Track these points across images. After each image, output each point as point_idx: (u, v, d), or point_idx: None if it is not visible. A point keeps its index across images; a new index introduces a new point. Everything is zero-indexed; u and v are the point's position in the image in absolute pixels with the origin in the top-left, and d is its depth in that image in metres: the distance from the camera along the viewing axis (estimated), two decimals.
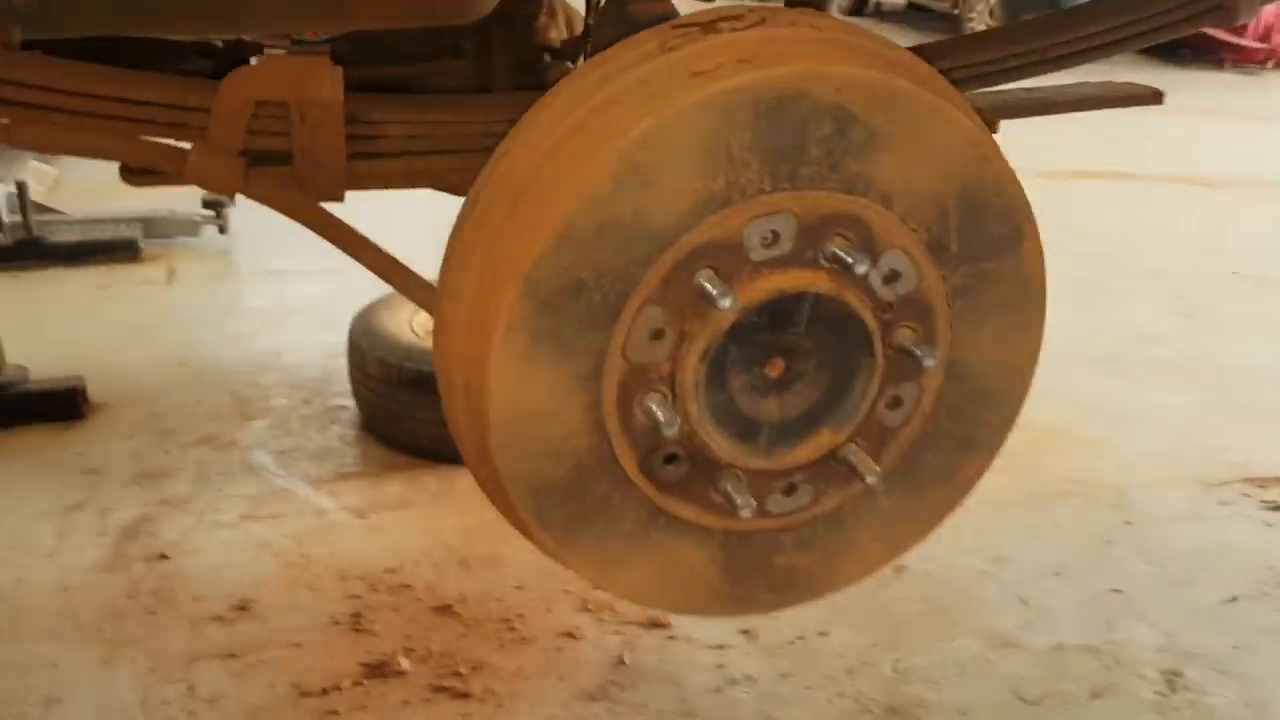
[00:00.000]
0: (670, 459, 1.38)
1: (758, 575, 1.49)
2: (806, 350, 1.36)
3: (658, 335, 1.30)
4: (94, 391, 2.98)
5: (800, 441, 1.40)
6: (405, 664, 2.03)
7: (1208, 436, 3.07)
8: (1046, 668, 2.13)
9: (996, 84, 2.01)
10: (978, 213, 1.33)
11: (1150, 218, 5.21)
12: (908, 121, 1.25)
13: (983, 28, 10.50)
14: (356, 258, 1.65)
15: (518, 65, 2.26)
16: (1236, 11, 2.11)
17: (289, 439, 2.86)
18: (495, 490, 1.39)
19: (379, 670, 2.03)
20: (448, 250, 1.38)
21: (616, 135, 1.19)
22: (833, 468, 1.44)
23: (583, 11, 2.83)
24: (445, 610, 2.20)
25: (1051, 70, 2.05)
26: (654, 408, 1.31)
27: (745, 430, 1.38)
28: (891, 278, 1.34)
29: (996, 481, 2.74)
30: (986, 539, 2.50)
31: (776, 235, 1.28)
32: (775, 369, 1.37)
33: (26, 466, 2.68)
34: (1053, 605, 2.32)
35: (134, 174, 1.60)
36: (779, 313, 1.32)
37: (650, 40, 1.29)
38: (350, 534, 2.46)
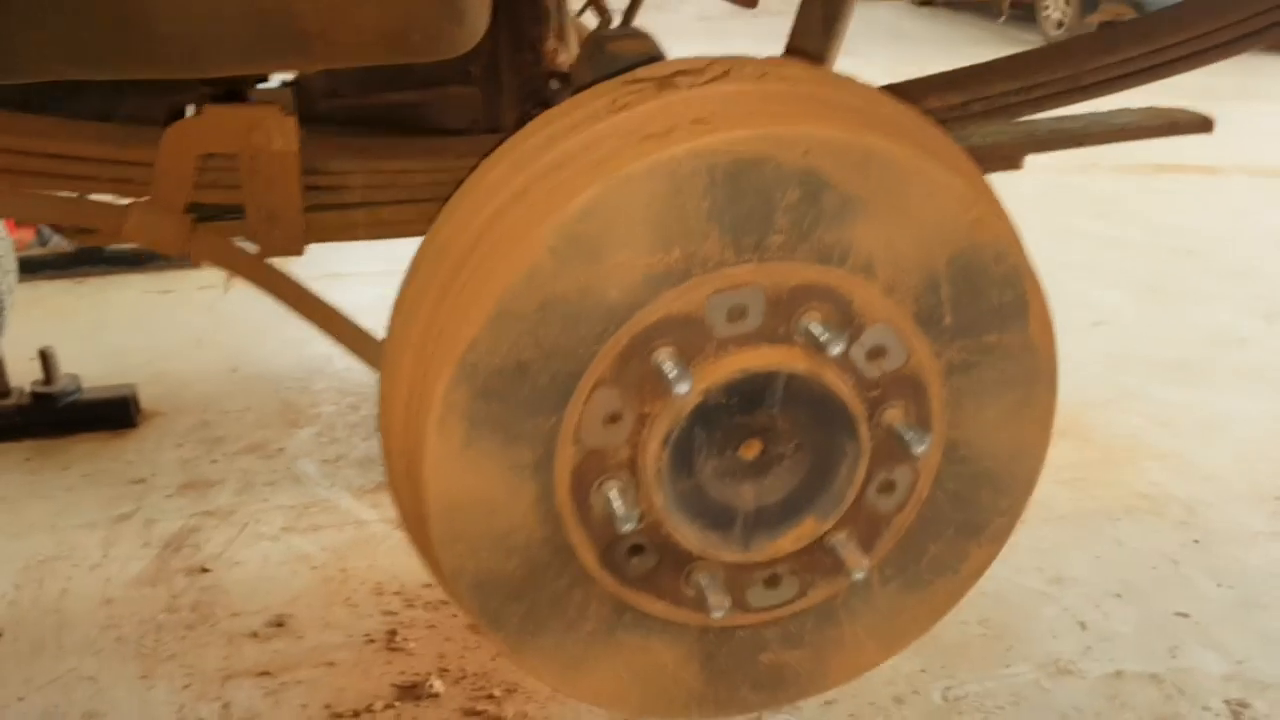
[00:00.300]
0: (636, 550, 1.25)
1: (740, 674, 1.35)
2: (784, 432, 1.22)
3: (614, 419, 1.17)
4: (146, 399, 3.05)
5: (781, 531, 1.26)
6: (439, 686, 2.00)
7: None
8: (1105, 697, 2.00)
9: (1022, 115, 1.84)
10: (974, 282, 1.18)
11: (1232, 214, 4.93)
12: (887, 185, 1.11)
13: (1058, 16, 10.19)
14: (309, 318, 1.55)
15: (526, 92, 2.17)
16: None
17: (334, 447, 2.88)
18: (445, 584, 1.27)
19: (412, 692, 2.00)
20: (390, 319, 1.27)
21: (556, 206, 1.07)
22: (821, 557, 1.30)
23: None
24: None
25: (1085, 99, 1.87)
26: (612, 497, 1.19)
27: (718, 519, 1.24)
28: (876, 353, 1.20)
29: (1058, 496, 2.61)
30: (1046, 558, 2.38)
31: (743, 310, 1.15)
32: (750, 451, 1.23)
33: (78, 476, 2.74)
34: (1114, 629, 2.19)
35: (75, 233, 1.52)
36: (750, 392, 1.18)
37: (601, 97, 1.16)
38: (389, 546, 2.45)
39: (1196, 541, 2.47)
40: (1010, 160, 1.80)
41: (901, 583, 1.35)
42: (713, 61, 1.17)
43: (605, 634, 1.28)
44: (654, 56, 1.66)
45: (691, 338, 1.15)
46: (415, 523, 1.26)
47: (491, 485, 1.17)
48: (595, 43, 1.72)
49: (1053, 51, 1.85)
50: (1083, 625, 2.19)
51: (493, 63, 2.53)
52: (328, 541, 2.45)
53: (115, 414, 2.94)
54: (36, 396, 2.88)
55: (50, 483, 2.71)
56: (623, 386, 1.15)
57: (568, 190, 1.08)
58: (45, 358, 2.85)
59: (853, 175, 1.10)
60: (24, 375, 2.93)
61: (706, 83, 1.14)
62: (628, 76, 1.18)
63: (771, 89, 1.15)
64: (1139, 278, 4.08)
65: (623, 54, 1.66)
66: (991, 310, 1.19)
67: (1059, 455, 2.80)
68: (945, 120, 1.79)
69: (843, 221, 1.12)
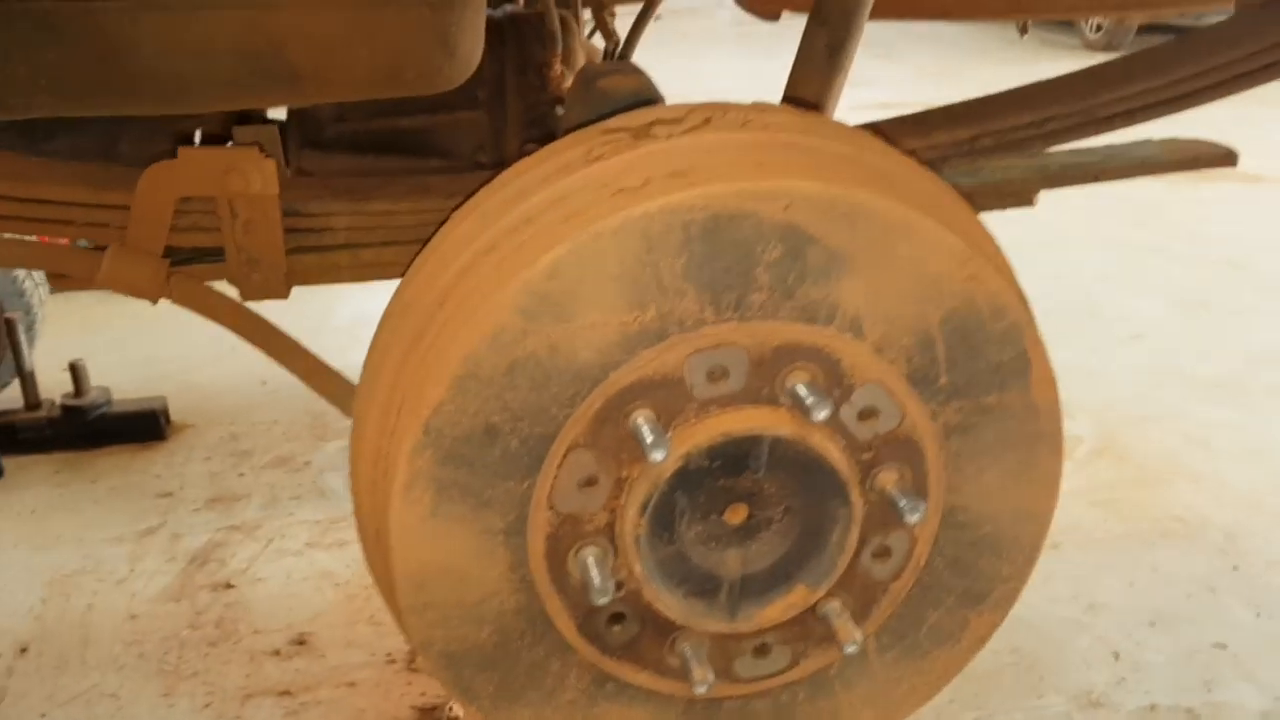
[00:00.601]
0: (616, 619, 1.19)
1: None
2: (771, 496, 1.16)
3: (590, 483, 1.11)
4: (176, 411, 3.04)
5: (770, 599, 1.20)
6: (458, 710, 1.93)
7: None
8: None
9: (1035, 149, 1.77)
10: (970, 340, 1.11)
11: (1278, 225, 4.75)
12: (875, 240, 1.04)
13: (1097, 19, 9.89)
14: (289, 366, 1.51)
15: (531, 117, 2.13)
16: None
17: None
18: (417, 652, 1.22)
19: (432, 714, 1.95)
20: (362, 372, 1.22)
21: (524, 264, 1.01)
22: (813, 626, 1.24)
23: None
24: None
25: (1101, 132, 1.80)
26: (589, 565, 1.13)
27: (702, 587, 1.18)
28: (868, 415, 1.13)
29: (1092, 518, 2.50)
30: (1080, 584, 2.28)
31: (724, 371, 1.09)
32: (736, 517, 1.17)
33: (106, 489, 2.74)
34: (1148, 660, 2.09)
35: (53, 278, 1.48)
36: (734, 456, 1.12)
37: (575, 147, 1.11)
38: None
39: (1235, 568, 2.37)
40: (1022, 196, 1.73)
41: (900, 652, 1.28)
42: (692, 109, 1.11)
43: (585, 705, 1.22)
44: (646, 94, 1.61)
45: (671, 399, 1.09)
46: (386, 588, 1.20)
47: (461, 552, 1.12)
48: (586, 79, 1.67)
49: (1068, 83, 1.77)
50: (1116, 655, 2.10)
51: (499, 88, 2.49)
52: (352, 558, 2.42)
53: (144, 426, 2.95)
54: (66, 409, 2.90)
55: (79, 495, 2.72)
56: (598, 450, 1.10)
57: (536, 247, 1.02)
58: (75, 370, 2.87)
59: (838, 230, 1.04)
60: (56, 387, 2.94)
61: (685, 132, 1.08)
62: (604, 125, 1.12)
63: (754, 139, 1.09)
64: (1180, 289, 3.94)
65: (613, 92, 1.61)
66: (990, 369, 1.12)
67: (1094, 474, 2.74)
68: (954, 155, 1.72)
69: (829, 278, 1.06)
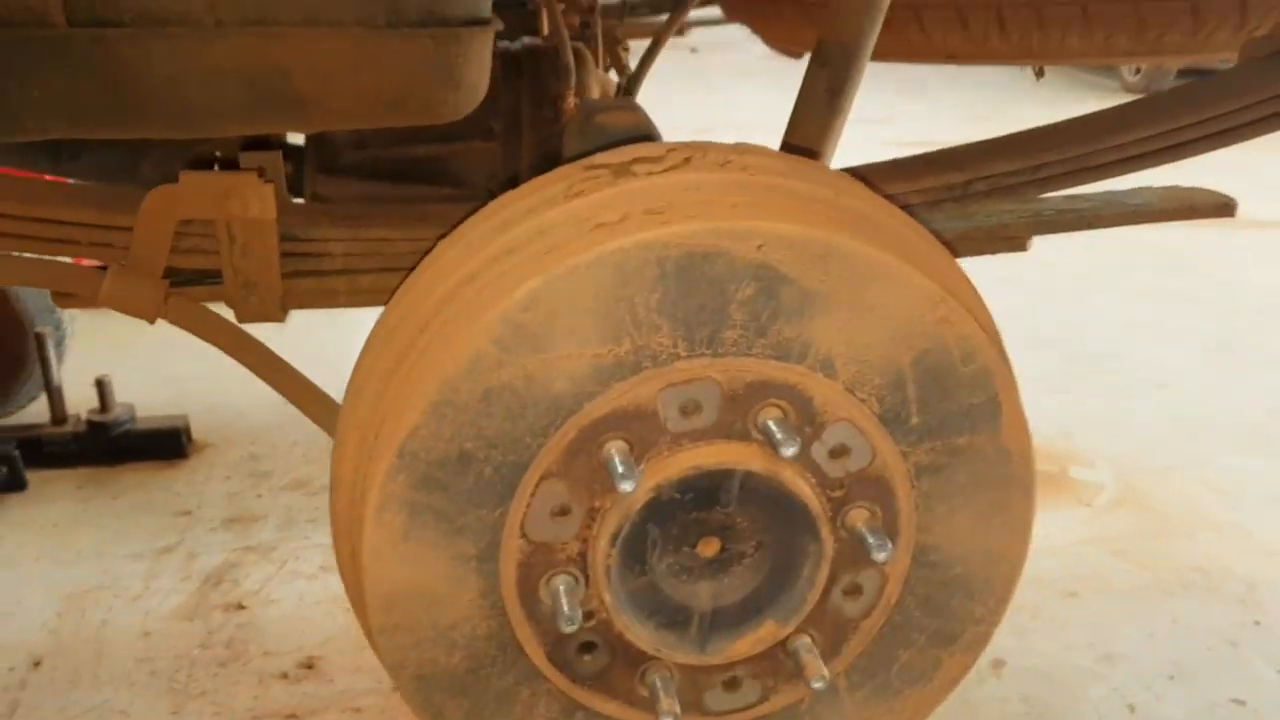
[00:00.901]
0: (587, 648, 1.20)
1: None
2: (743, 531, 1.17)
3: (562, 512, 1.13)
4: (199, 430, 3.08)
5: (740, 633, 1.21)
6: None
7: None
8: None
9: (1028, 195, 1.78)
10: (941, 382, 1.12)
11: None
12: (848, 281, 1.06)
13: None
14: (279, 389, 1.54)
15: (545, 149, 2.17)
16: None
17: None
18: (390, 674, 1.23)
19: None
20: (345, 394, 1.25)
21: (501, 294, 1.04)
22: (784, 661, 1.24)
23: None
24: None
25: (1095, 180, 1.82)
26: (559, 594, 1.14)
27: (673, 618, 1.19)
28: (839, 453, 1.14)
29: (1112, 567, 2.46)
30: (1096, 633, 2.24)
31: (697, 405, 1.10)
32: (708, 550, 1.18)
33: (127, 505, 2.77)
34: (1165, 714, 2.04)
35: (58, 295, 1.52)
36: (705, 489, 1.13)
37: (558, 183, 1.13)
38: None
39: (1257, 623, 2.32)
40: (1015, 241, 1.74)
41: (871, 690, 1.28)
42: (673, 149, 1.14)
43: None
44: (642, 131, 1.64)
45: (644, 432, 1.11)
46: (359, 609, 1.22)
47: (434, 577, 1.14)
48: (586, 113, 1.71)
49: (1063, 130, 1.79)
50: (1131, 708, 2.06)
51: (514, 119, 2.53)
52: None
53: (167, 444, 2.98)
54: (91, 425, 2.94)
55: (100, 511, 2.75)
56: (571, 480, 1.11)
57: (514, 278, 1.05)
58: (101, 387, 2.92)
59: (811, 271, 1.06)
60: (83, 403, 2.98)
61: (664, 171, 1.11)
62: (586, 162, 1.15)
63: (732, 179, 1.11)
64: (1209, 338, 3.90)
65: (611, 127, 1.65)
66: (961, 412, 1.14)
67: (1115, 523, 2.72)
68: (947, 199, 1.74)
69: (801, 317, 1.08)
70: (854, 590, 1.22)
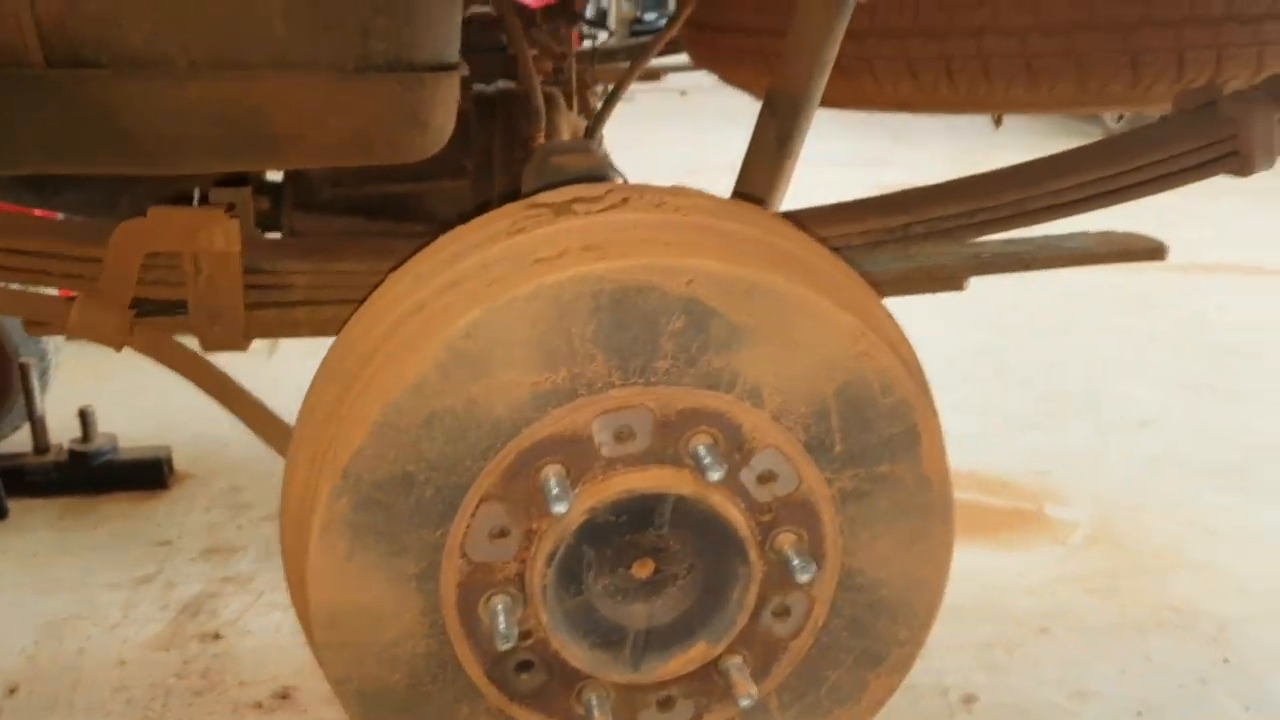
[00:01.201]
0: (525, 666, 1.25)
1: None
2: (676, 553, 1.23)
3: (501, 534, 1.18)
4: (181, 460, 3.11)
5: (673, 653, 1.26)
6: None
7: None
8: None
9: (967, 237, 1.86)
10: (863, 412, 1.19)
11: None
12: (773, 316, 1.13)
13: None
14: (240, 415, 1.59)
15: (515, 189, 2.23)
16: (1251, 162, 1.95)
17: None
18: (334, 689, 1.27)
19: None
20: (297, 419, 1.30)
21: (445, 323, 1.10)
22: (716, 681, 1.29)
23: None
24: None
25: (1032, 224, 1.90)
26: (496, 613, 1.19)
27: (608, 638, 1.24)
28: (767, 478, 1.20)
29: (1086, 605, 2.53)
30: (1070, 670, 2.30)
31: (630, 431, 1.16)
32: (642, 571, 1.23)
33: (107, 535, 2.81)
34: None
35: (30, 323, 1.57)
36: (639, 512, 1.19)
37: (503, 219, 1.20)
38: None
39: (1226, 661, 2.37)
40: (953, 281, 1.82)
41: (800, 710, 1.33)
42: (612, 190, 1.21)
43: None
44: (596, 171, 1.71)
45: (579, 456, 1.16)
46: (306, 625, 1.26)
47: (376, 596, 1.18)
48: (543, 154, 1.78)
49: (1000, 177, 1.88)
50: None
51: (487, 158, 2.61)
52: None
53: (148, 475, 3.02)
54: (73, 454, 2.99)
55: (80, 541, 2.79)
56: (509, 502, 1.17)
57: (457, 309, 1.11)
58: (84, 417, 2.95)
59: (738, 306, 1.12)
60: (65, 432, 3.02)
61: (602, 210, 1.18)
62: (529, 200, 1.21)
63: (666, 219, 1.18)
64: (1184, 377, 3.99)
65: (566, 168, 1.72)
66: (881, 441, 1.20)
67: (1089, 561, 2.78)
68: (889, 240, 1.81)
69: (730, 349, 1.14)
70: (783, 611, 1.27)
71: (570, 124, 2.74)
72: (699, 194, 1.25)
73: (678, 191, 1.23)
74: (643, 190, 1.21)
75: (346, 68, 1.42)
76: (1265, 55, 2.23)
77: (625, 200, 1.19)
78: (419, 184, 2.51)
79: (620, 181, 1.95)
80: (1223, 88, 2.01)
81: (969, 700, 2.15)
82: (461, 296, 1.12)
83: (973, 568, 2.68)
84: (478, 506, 1.16)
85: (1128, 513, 2.99)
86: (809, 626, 1.28)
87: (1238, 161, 1.95)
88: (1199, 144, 1.91)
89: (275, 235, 2.27)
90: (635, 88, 3.19)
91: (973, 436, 3.40)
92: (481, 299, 1.10)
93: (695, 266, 1.10)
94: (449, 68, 1.54)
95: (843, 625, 1.29)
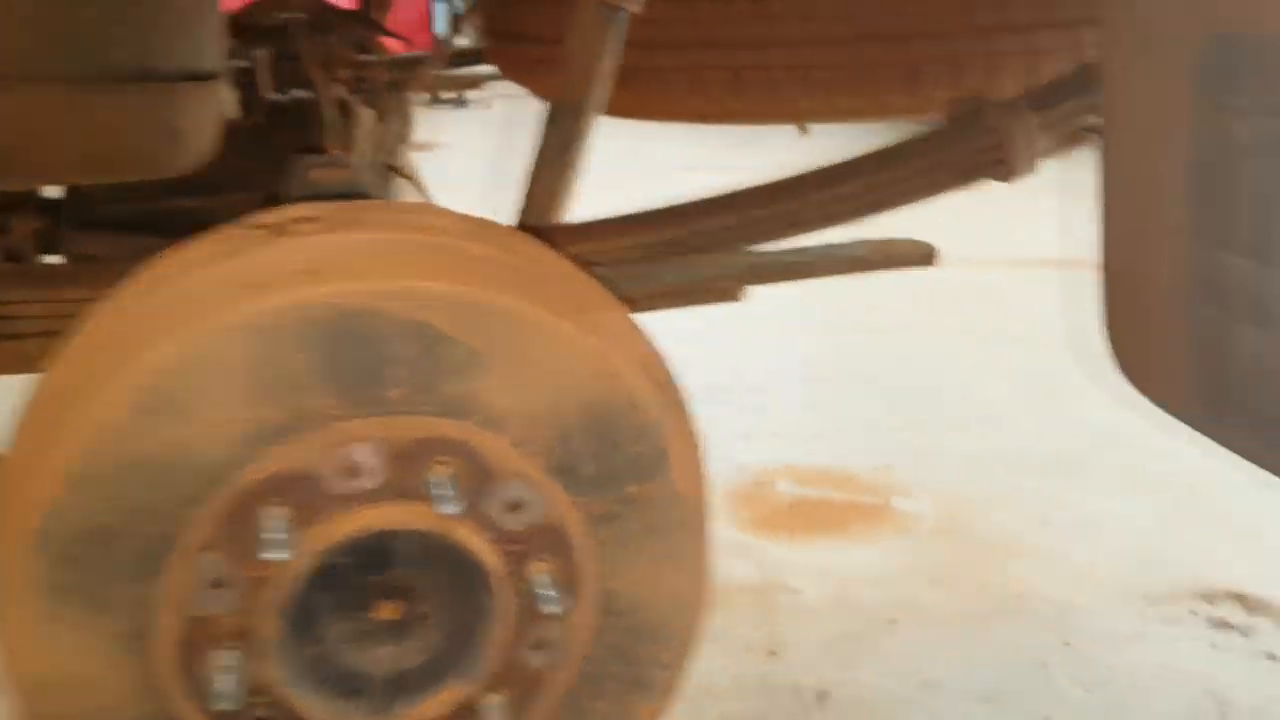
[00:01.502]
0: None
1: None
2: (420, 591, 1.16)
3: (220, 584, 1.08)
4: None
5: (424, 696, 1.18)
6: None
7: (1163, 549, 2.84)
8: None
9: (741, 247, 1.86)
10: (608, 434, 1.15)
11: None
12: (509, 339, 1.08)
13: None
14: None
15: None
16: (1014, 168, 2.03)
17: None
18: None
19: None
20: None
21: (136, 359, 0.99)
22: None
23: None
24: None
25: (802, 233, 1.92)
26: (221, 670, 1.09)
27: (350, 687, 1.16)
28: (514, 507, 1.15)
29: (931, 597, 2.53)
30: (916, 661, 2.30)
31: (361, 466, 1.09)
32: (385, 613, 1.16)
33: None
34: None
35: None
36: (375, 551, 1.11)
37: (216, 242, 1.10)
38: None
39: (1066, 644, 2.43)
40: (729, 292, 1.82)
41: None
42: (339, 208, 1.13)
43: None
44: (351, 188, 1.62)
45: (306, 496, 1.08)
46: (15, 700, 1.13)
47: (85, 659, 1.07)
48: (300, 167, 1.68)
49: (770, 189, 1.89)
50: None
51: (278, 171, 2.46)
52: None
53: None
54: None
55: None
56: (227, 550, 1.07)
57: (152, 342, 1.01)
58: None
59: (472, 330, 1.07)
60: None
61: (325, 230, 1.10)
62: (248, 220, 1.12)
63: (396, 239, 1.11)
64: (1023, 372, 4.10)
65: (320, 182, 1.62)
66: (629, 462, 1.16)
67: (934, 553, 2.79)
68: (665, 253, 1.79)
69: (466, 375, 1.08)
70: (540, 644, 1.22)
71: (372, 135, 2.63)
72: (441, 212, 1.19)
73: (416, 209, 1.17)
74: (374, 208, 1.14)
75: (85, 78, 1.32)
76: (1039, 64, 2.33)
77: (354, 220, 1.11)
78: (210, 198, 2.35)
79: (389, 198, 1.86)
80: (990, 97, 2.09)
81: (822, 697, 2.14)
82: (159, 328, 1.02)
83: (822, 563, 2.71)
84: (191, 556, 1.06)
85: (968, 505, 3.06)
86: (570, 657, 1.24)
87: (1003, 168, 2.02)
88: (967, 151, 1.97)
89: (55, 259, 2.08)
90: (493, 94, 3.06)
91: (821, 434, 3.46)
92: (181, 330, 1.00)
93: (424, 290, 1.04)
94: (205, 77, 1.44)
95: (605, 653, 1.25)
